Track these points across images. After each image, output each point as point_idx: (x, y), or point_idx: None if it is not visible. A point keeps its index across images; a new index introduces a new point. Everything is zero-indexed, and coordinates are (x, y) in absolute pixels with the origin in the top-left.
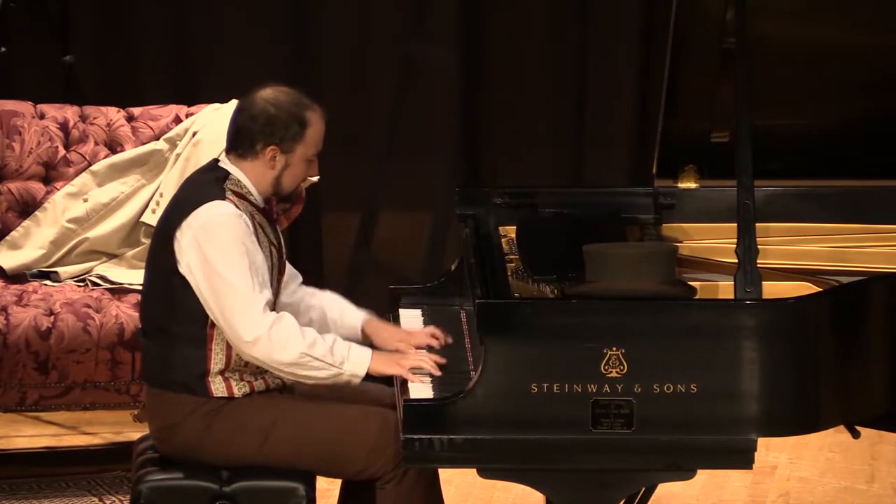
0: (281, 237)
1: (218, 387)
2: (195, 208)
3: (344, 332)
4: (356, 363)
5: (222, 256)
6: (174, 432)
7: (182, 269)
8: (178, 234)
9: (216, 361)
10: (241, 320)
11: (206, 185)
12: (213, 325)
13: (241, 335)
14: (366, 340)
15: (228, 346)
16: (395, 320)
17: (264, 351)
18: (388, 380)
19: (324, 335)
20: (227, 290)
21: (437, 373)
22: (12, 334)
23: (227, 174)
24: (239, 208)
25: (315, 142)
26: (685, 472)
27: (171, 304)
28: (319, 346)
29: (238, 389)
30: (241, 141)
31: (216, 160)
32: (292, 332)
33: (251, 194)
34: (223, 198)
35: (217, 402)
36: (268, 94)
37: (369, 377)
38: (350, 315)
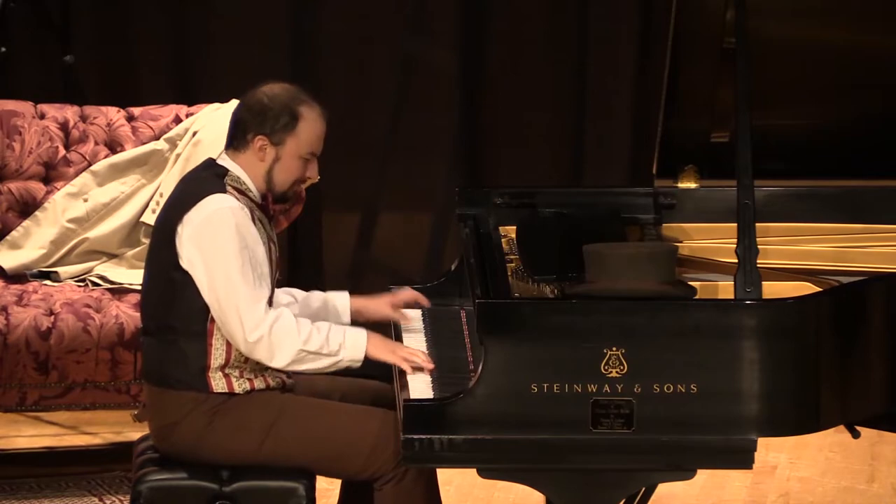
0: (275, 236)
1: (218, 383)
2: (196, 202)
3: (334, 318)
4: (353, 348)
5: (224, 253)
6: (174, 430)
7: (184, 263)
8: (180, 228)
9: (216, 356)
10: (245, 319)
11: (205, 180)
12: (213, 319)
13: (245, 335)
14: (356, 318)
15: (229, 341)
16: (396, 323)
17: (265, 351)
18: (387, 373)
19: (318, 324)
20: (229, 289)
21: (430, 366)
22: (12, 334)
23: (226, 171)
24: (239, 201)
25: (309, 139)
26: (685, 472)
27: (171, 300)
28: (315, 339)
29: (238, 386)
30: (236, 133)
31: (212, 159)
32: (290, 329)
33: (250, 190)
34: (223, 191)
35: (217, 399)
36: (267, 87)
37: (367, 362)
38: (333, 298)
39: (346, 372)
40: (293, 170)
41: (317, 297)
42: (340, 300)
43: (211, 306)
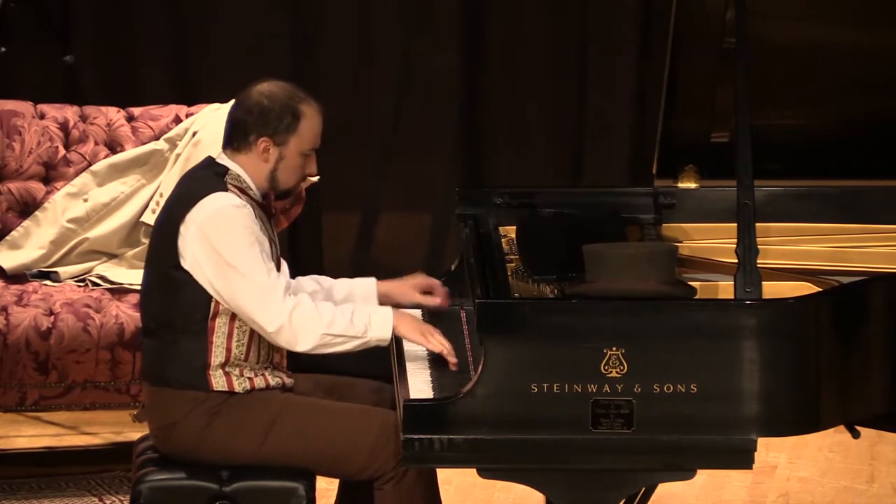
0: (276, 236)
1: (218, 381)
2: (197, 201)
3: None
4: (379, 327)
5: (233, 248)
6: (174, 430)
7: (186, 264)
8: (182, 228)
9: (216, 355)
10: (262, 311)
11: (206, 179)
12: (214, 317)
13: (264, 326)
14: (383, 302)
15: (229, 339)
16: None
17: (288, 338)
18: (387, 373)
19: (341, 307)
20: (243, 282)
21: (454, 360)
22: (12, 334)
23: (226, 169)
24: (241, 199)
25: (310, 136)
26: (685, 472)
27: (172, 299)
28: (338, 322)
29: (239, 385)
30: (235, 134)
31: (212, 158)
32: (311, 314)
33: (251, 189)
34: (225, 189)
35: (217, 399)
36: (263, 87)
37: (367, 362)
38: (360, 286)
39: (347, 372)
40: (296, 168)
41: (342, 285)
42: (366, 289)
43: (226, 303)
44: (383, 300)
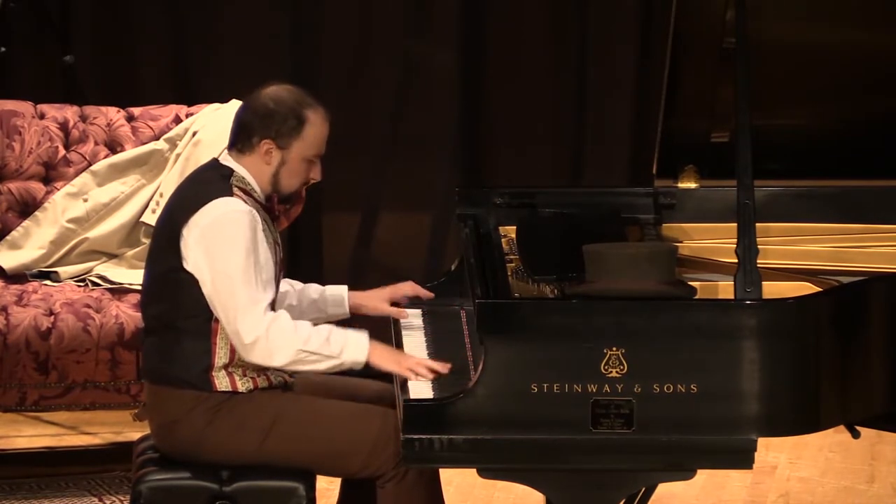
0: (279, 237)
1: (221, 381)
2: (202, 205)
3: (332, 309)
4: (354, 350)
5: (229, 256)
6: (175, 429)
7: (189, 266)
8: (185, 231)
9: (220, 356)
10: (241, 322)
11: (211, 182)
12: (217, 319)
13: (242, 337)
14: (354, 312)
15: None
16: (396, 322)
17: (262, 352)
18: (388, 376)
19: (319, 326)
20: (230, 290)
21: (443, 371)
22: (12, 334)
23: (231, 171)
24: (246, 203)
25: (314, 142)
26: (685, 472)
27: (176, 299)
28: (314, 340)
29: (242, 385)
30: (241, 135)
31: (216, 159)
32: (288, 330)
33: (255, 191)
34: (230, 194)
35: (219, 398)
36: (271, 90)
37: (369, 369)
38: (331, 290)
39: (347, 371)
40: (299, 172)
41: (314, 288)
42: (338, 291)
43: (213, 307)
44: (354, 310)
